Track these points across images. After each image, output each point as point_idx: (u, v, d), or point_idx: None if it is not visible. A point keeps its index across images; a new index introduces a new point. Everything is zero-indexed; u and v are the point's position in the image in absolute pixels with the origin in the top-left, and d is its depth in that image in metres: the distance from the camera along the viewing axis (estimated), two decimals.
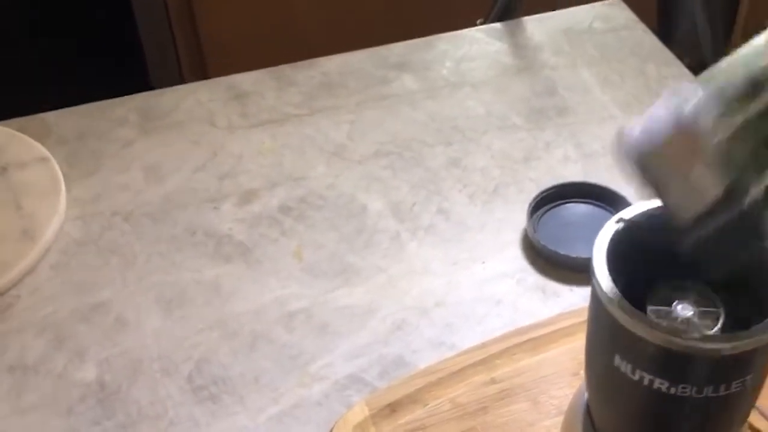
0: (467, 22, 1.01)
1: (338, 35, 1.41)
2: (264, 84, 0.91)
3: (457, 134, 0.85)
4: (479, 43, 0.96)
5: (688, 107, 0.40)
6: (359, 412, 0.62)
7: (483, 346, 0.65)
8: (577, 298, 0.70)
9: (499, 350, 0.65)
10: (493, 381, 0.63)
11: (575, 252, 0.71)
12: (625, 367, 0.44)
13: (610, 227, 0.46)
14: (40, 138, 0.85)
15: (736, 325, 0.44)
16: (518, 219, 0.75)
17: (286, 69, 0.93)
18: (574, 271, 0.71)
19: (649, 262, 0.45)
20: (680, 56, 0.93)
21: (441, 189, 0.80)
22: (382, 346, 0.67)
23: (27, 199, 0.79)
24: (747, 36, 0.41)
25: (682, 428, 0.47)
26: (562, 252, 0.72)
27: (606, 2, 1.00)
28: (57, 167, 0.81)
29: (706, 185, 0.39)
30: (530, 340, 0.65)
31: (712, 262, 0.44)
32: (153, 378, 0.66)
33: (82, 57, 2.02)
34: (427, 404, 0.62)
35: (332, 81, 0.92)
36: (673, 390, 0.43)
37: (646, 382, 0.44)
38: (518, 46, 0.96)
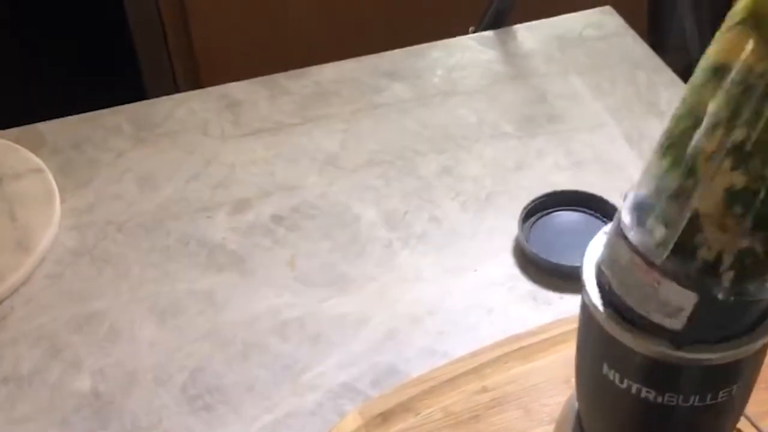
0: (460, 30, 1.01)
1: (331, 44, 1.41)
2: (257, 93, 0.92)
3: (449, 142, 0.85)
4: (471, 51, 0.96)
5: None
6: (352, 421, 0.62)
7: (474, 354, 0.66)
8: (569, 306, 0.70)
9: (490, 359, 0.65)
10: (484, 389, 0.64)
11: (566, 260, 0.72)
12: (613, 376, 0.45)
13: (601, 236, 0.46)
14: (34, 149, 0.85)
15: None
16: (510, 227, 0.76)
17: (278, 78, 0.94)
18: (566, 279, 0.72)
19: None
20: (670, 63, 0.93)
21: (433, 197, 0.80)
22: (375, 355, 0.68)
23: (21, 209, 0.79)
24: None
25: None
26: (553, 260, 0.72)
27: (597, 9, 1.01)
28: (51, 178, 0.82)
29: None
30: (522, 349, 0.66)
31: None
32: (148, 388, 0.66)
33: (76, 66, 2.02)
34: (419, 413, 0.62)
35: (325, 90, 0.92)
36: (660, 399, 0.44)
37: (633, 390, 0.44)
38: (510, 54, 0.96)
